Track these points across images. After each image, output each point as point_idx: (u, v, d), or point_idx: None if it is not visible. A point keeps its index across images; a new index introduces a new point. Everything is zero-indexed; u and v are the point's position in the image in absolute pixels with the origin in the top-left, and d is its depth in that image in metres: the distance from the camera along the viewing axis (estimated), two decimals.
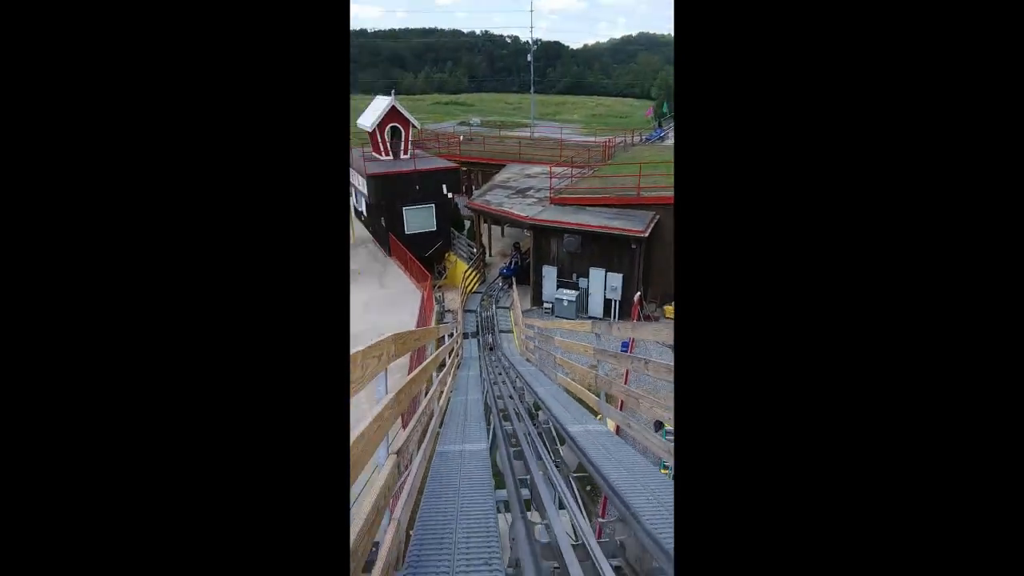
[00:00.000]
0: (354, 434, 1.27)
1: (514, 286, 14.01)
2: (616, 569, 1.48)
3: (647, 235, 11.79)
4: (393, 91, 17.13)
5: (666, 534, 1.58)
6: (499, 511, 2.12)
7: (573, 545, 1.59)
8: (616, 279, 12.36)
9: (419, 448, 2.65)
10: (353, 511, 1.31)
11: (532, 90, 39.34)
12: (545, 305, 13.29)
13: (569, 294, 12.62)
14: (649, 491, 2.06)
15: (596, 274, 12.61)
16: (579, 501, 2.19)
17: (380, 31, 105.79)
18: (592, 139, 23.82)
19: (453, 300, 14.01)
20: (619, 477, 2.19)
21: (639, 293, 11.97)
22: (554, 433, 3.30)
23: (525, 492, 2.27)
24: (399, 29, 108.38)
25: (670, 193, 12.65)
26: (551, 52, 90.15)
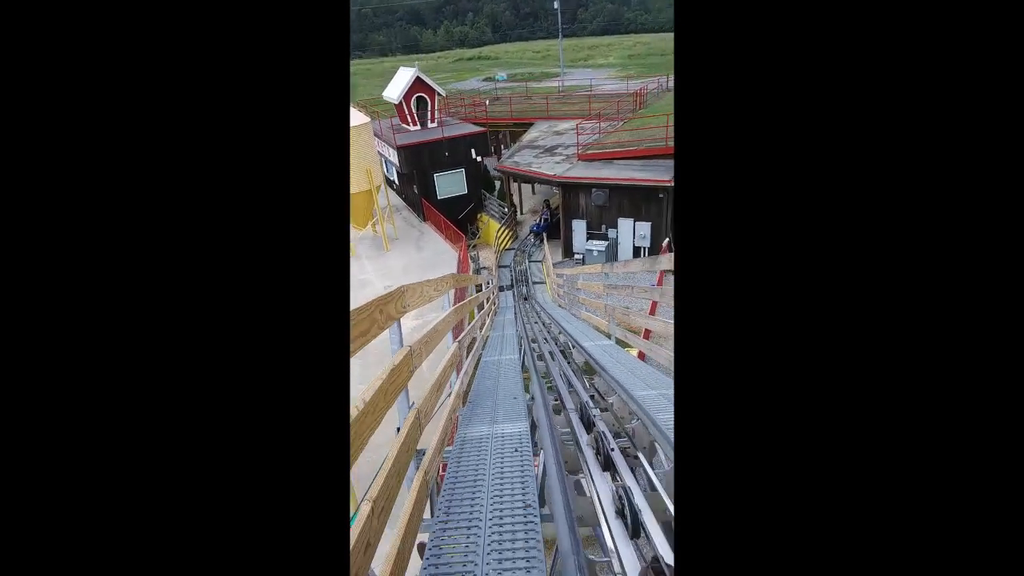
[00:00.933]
0: (436, 320, 2.31)
1: (545, 241, 14.81)
2: (592, 397, 2.48)
3: (673, 184, 12.19)
4: (416, 64, 17.35)
5: (624, 380, 2.55)
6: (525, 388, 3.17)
7: (568, 391, 2.61)
8: (644, 227, 12.93)
9: (468, 356, 3.76)
10: (436, 368, 2.35)
11: (560, 36, 37.81)
12: (576, 256, 14.06)
13: (599, 244, 13.32)
14: (624, 367, 3.14)
15: (625, 224, 13.20)
16: (580, 377, 3.20)
17: None
18: (624, 87, 23.42)
19: (487, 258, 15.01)
20: (608, 363, 3.18)
21: (668, 239, 12.54)
22: (570, 347, 4.31)
23: (546, 387, 3.31)
24: None
25: None
26: None
